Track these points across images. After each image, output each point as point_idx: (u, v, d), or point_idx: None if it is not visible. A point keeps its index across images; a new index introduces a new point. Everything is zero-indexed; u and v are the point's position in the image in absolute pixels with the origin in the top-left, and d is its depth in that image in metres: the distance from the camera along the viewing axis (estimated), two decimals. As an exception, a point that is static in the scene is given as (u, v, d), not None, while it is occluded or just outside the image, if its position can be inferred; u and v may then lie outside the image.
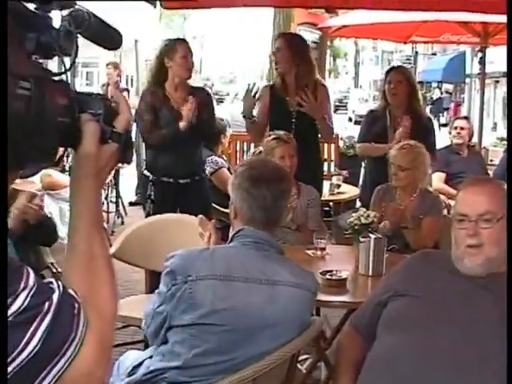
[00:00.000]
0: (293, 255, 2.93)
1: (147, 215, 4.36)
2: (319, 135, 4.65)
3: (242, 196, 2.20)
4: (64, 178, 5.21)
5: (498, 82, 25.00)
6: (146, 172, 4.52)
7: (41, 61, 1.04)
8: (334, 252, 3.59)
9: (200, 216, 2.73)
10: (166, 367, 2.10)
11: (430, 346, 1.95)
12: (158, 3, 4.87)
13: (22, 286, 0.92)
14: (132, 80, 9.69)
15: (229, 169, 5.28)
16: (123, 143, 1.14)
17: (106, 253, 1.14)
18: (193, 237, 2.67)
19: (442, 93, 32.30)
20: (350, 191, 5.95)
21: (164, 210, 4.05)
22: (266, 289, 2.11)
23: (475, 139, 6.92)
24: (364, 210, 3.46)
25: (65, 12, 1.06)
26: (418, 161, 3.84)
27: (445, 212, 4.20)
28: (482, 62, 7.34)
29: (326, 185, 5.88)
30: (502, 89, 24.25)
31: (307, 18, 7.87)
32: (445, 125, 18.60)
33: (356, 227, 3.33)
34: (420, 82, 29.19)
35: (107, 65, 8.40)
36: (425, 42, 12.61)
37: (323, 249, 3.47)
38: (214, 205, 4.62)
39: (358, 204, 5.46)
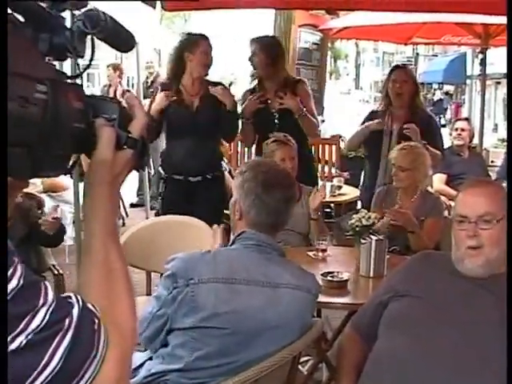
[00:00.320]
0: (294, 257, 2.93)
1: (157, 214, 4.38)
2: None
3: (253, 202, 2.19)
4: (65, 180, 5.21)
5: (498, 83, 24.99)
6: (159, 169, 4.54)
7: (54, 63, 1.00)
8: (335, 253, 3.59)
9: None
10: (167, 370, 2.10)
11: (430, 347, 1.95)
12: (158, 5, 4.86)
13: (42, 301, 0.86)
14: (133, 81, 9.68)
15: (230, 172, 5.28)
16: (139, 149, 1.09)
17: (124, 263, 1.08)
18: (194, 239, 2.68)
19: (442, 94, 32.34)
20: (351, 193, 5.95)
21: (175, 209, 4.05)
22: (267, 291, 2.11)
23: (476, 140, 6.92)
24: (365, 211, 3.46)
25: (77, 12, 1.03)
26: (418, 162, 3.84)
27: (446, 213, 4.20)
28: (483, 63, 7.33)
29: (327, 186, 5.89)
30: (503, 90, 24.24)
31: (308, 19, 7.86)
32: (444, 125, 18.61)
33: (357, 229, 3.33)
34: (421, 84, 29.22)
35: (108, 66, 8.41)
36: (425, 44, 12.62)
37: (324, 250, 3.47)
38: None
39: (359, 205, 5.45)
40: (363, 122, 4.80)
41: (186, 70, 4.31)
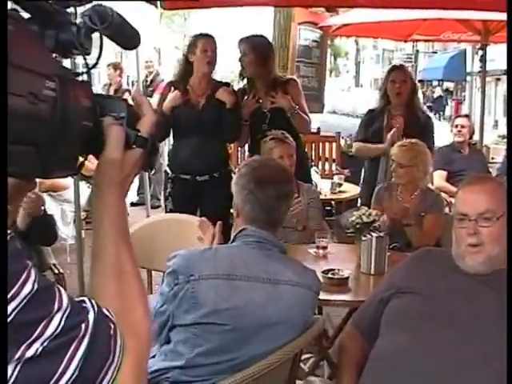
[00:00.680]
0: (295, 254, 2.94)
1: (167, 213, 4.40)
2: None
3: (246, 197, 2.21)
4: (65, 179, 5.21)
5: (498, 79, 24.98)
6: (166, 169, 4.55)
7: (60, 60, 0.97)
8: (336, 251, 3.59)
9: (201, 218, 2.73)
10: (169, 367, 2.10)
11: (432, 344, 1.95)
12: (158, 4, 4.86)
13: (56, 306, 0.83)
14: (132, 80, 9.68)
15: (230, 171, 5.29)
16: (149, 148, 1.06)
17: (135, 265, 1.05)
18: (195, 237, 2.68)
19: (442, 91, 32.33)
20: (351, 190, 5.94)
21: (183, 209, 4.06)
22: (268, 288, 2.11)
23: (476, 137, 6.92)
24: (365, 208, 3.47)
25: (82, 8, 1.00)
26: (417, 159, 3.85)
27: (446, 210, 4.20)
28: (483, 59, 7.32)
29: (327, 183, 5.89)
30: (503, 86, 24.22)
31: (308, 17, 7.84)
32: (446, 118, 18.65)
33: (358, 226, 3.33)
34: (421, 81, 29.20)
35: (108, 65, 8.40)
36: (425, 41, 12.61)
37: (325, 248, 3.47)
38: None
39: (360, 203, 5.45)
40: (362, 122, 4.82)
41: (193, 71, 4.35)
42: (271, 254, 2.18)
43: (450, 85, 33.21)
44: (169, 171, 4.51)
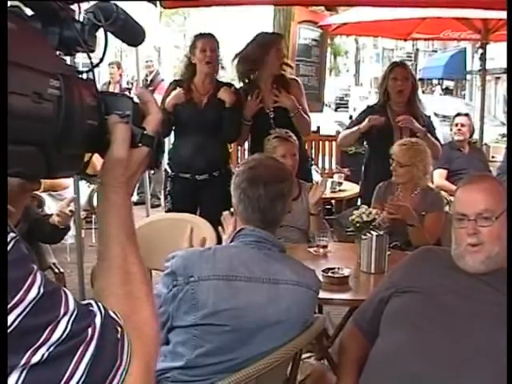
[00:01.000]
0: (295, 253, 2.94)
1: (166, 212, 4.41)
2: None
3: (239, 196, 2.20)
4: (65, 179, 5.20)
5: (498, 78, 24.96)
6: (166, 167, 4.55)
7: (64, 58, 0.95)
8: (336, 250, 3.59)
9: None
10: (169, 367, 2.10)
11: (431, 343, 1.94)
12: (157, 3, 4.86)
13: (63, 310, 0.81)
14: (128, 80, 9.67)
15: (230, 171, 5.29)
16: (155, 146, 1.04)
17: (142, 266, 1.02)
18: (195, 236, 2.67)
19: (442, 90, 32.30)
20: (351, 189, 5.95)
21: (182, 207, 4.09)
22: (268, 288, 2.10)
23: (476, 136, 6.92)
24: (365, 207, 3.47)
25: (86, 4, 0.99)
26: (417, 158, 3.85)
27: (446, 208, 4.20)
28: (483, 58, 7.32)
29: (327, 182, 5.88)
30: (503, 85, 24.21)
31: (307, 16, 7.83)
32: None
33: (358, 225, 3.33)
34: (421, 79, 29.16)
35: (110, 64, 8.40)
36: (425, 39, 12.58)
37: (325, 246, 3.47)
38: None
39: (360, 201, 5.45)
40: (359, 116, 4.80)
41: (196, 72, 4.37)
42: (270, 253, 2.17)
43: (449, 83, 33.17)
44: (168, 170, 4.51)
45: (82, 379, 0.82)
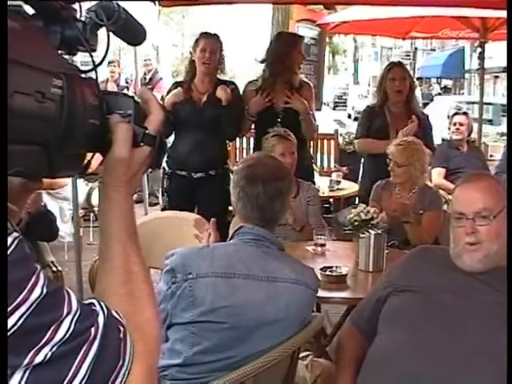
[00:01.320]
0: (293, 252, 2.94)
1: (163, 209, 4.42)
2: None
3: (238, 194, 2.21)
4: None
5: (497, 77, 24.99)
6: (164, 165, 4.55)
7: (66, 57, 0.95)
8: (334, 248, 3.59)
9: (196, 217, 2.73)
10: (167, 365, 2.10)
11: (429, 342, 1.95)
12: (155, 1, 4.85)
13: (66, 310, 0.82)
14: (127, 78, 9.67)
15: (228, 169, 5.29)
16: (157, 146, 1.03)
17: (144, 266, 1.02)
18: (192, 234, 2.67)
19: (441, 89, 32.35)
20: (349, 187, 5.95)
21: (179, 205, 4.09)
22: (266, 286, 2.10)
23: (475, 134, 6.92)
24: (364, 205, 3.47)
25: (88, 4, 0.98)
26: (414, 158, 3.85)
27: (445, 207, 4.20)
28: (481, 57, 7.32)
29: (325, 181, 5.89)
30: (502, 84, 24.24)
31: (306, 14, 7.83)
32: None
33: (356, 223, 3.33)
34: (419, 78, 29.19)
35: (110, 63, 8.40)
36: (423, 38, 12.61)
37: (323, 245, 3.47)
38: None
39: (358, 200, 5.45)
40: (362, 118, 4.81)
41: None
42: (269, 251, 2.17)
43: (448, 82, 33.21)
44: (166, 167, 4.52)
45: (85, 379, 0.82)
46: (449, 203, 4.31)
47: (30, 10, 0.89)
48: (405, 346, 1.98)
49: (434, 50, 33.91)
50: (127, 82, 8.76)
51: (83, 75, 0.95)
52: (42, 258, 3.85)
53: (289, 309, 2.11)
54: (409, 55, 34.32)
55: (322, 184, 5.63)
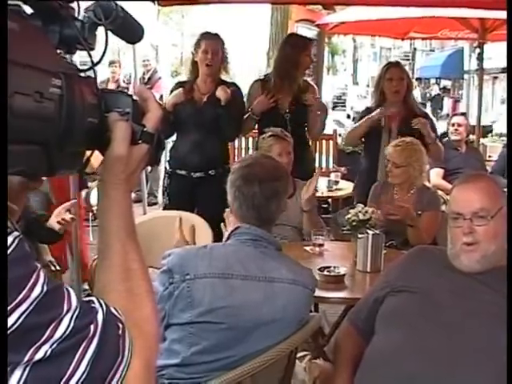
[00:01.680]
0: (291, 252, 2.94)
1: (164, 208, 4.44)
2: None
3: (234, 194, 2.21)
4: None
5: (496, 78, 24.97)
6: (166, 164, 4.61)
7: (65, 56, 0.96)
8: (332, 248, 3.60)
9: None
10: (165, 365, 2.10)
11: (426, 342, 1.95)
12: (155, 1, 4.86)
13: (66, 308, 0.83)
14: (125, 75, 9.66)
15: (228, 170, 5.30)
16: (154, 143, 1.04)
17: (143, 264, 1.02)
18: (191, 234, 2.68)
19: (440, 89, 32.33)
20: (348, 188, 5.95)
21: (178, 204, 4.11)
22: (263, 286, 2.11)
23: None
24: (362, 206, 3.47)
25: (86, 3, 0.98)
26: (412, 158, 3.85)
27: (443, 208, 4.20)
28: (480, 57, 7.32)
29: (324, 181, 5.89)
30: (501, 85, 24.23)
31: (305, 14, 7.85)
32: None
33: (354, 223, 3.33)
34: (418, 79, 29.17)
35: (112, 63, 8.40)
36: (423, 39, 12.57)
37: (321, 245, 3.48)
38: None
39: (356, 200, 5.46)
40: (359, 119, 4.80)
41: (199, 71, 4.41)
42: (267, 251, 2.18)
43: (447, 83, 33.18)
44: (167, 167, 4.56)
45: (84, 375, 0.83)
46: (447, 204, 4.31)
47: (28, 10, 0.90)
48: (402, 346, 1.98)
49: (433, 50, 33.85)
50: (123, 81, 8.75)
51: (82, 74, 0.96)
52: (41, 257, 3.86)
53: (286, 309, 2.12)
54: (408, 56, 34.27)
55: (320, 184, 5.64)
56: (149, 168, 7.86)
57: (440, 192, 4.75)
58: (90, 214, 5.92)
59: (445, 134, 6.46)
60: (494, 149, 8.84)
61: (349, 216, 3.37)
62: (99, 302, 0.90)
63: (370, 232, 3.20)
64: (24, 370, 0.79)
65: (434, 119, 5.06)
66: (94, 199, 5.69)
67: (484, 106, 7.68)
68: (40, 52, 0.84)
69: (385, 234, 3.29)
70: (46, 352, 0.80)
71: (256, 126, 4.62)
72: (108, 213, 1.01)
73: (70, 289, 0.86)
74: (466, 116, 6.57)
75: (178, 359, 2.08)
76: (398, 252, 3.33)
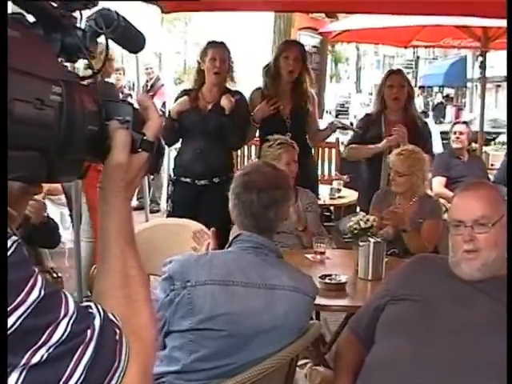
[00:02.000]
0: (292, 259, 2.94)
1: (168, 216, 4.46)
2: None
3: (233, 202, 2.22)
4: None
5: (499, 86, 24.97)
6: (170, 172, 4.64)
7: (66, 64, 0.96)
8: (334, 256, 3.60)
9: (195, 229, 2.74)
10: (165, 372, 2.10)
11: (427, 350, 1.94)
12: (160, 8, 4.88)
13: (63, 312, 0.83)
14: (128, 82, 9.69)
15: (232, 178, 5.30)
16: (154, 152, 1.05)
17: (142, 270, 1.03)
18: (191, 243, 2.68)
19: (443, 98, 32.35)
20: (350, 195, 5.94)
21: (182, 212, 4.12)
22: (264, 293, 2.11)
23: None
24: (363, 214, 3.47)
25: (87, 12, 1.00)
26: (416, 167, 3.84)
27: (445, 216, 4.20)
28: (483, 66, 7.32)
29: (326, 189, 5.89)
30: (504, 93, 24.22)
31: (308, 22, 7.86)
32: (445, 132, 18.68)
33: (355, 231, 3.33)
34: (421, 87, 29.19)
35: (116, 70, 8.41)
36: (425, 47, 12.64)
37: (323, 253, 3.47)
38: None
39: (359, 208, 5.45)
40: (358, 125, 4.81)
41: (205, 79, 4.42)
42: (267, 259, 2.18)
43: (450, 91, 33.20)
44: (172, 174, 4.58)
45: (81, 380, 0.83)
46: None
47: (31, 19, 0.91)
48: (403, 354, 1.98)
49: (437, 58, 33.88)
50: (125, 87, 8.76)
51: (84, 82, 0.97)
52: (42, 263, 3.86)
53: (287, 316, 2.12)
54: (411, 64, 34.29)
55: (322, 192, 5.63)
56: (151, 175, 7.88)
57: (442, 200, 4.74)
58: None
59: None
60: (496, 157, 8.82)
61: (350, 224, 3.37)
62: (97, 307, 0.91)
63: (372, 240, 3.20)
64: (21, 373, 0.80)
65: (435, 127, 5.04)
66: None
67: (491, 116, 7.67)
68: (41, 60, 0.85)
69: (386, 242, 3.29)
70: (43, 356, 0.80)
71: (257, 134, 4.63)
72: (107, 219, 1.02)
73: (67, 293, 0.87)
74: (468, 124, 6.56)
75: (178, 366, 2.08)
76: (399, 260, 3.32)
